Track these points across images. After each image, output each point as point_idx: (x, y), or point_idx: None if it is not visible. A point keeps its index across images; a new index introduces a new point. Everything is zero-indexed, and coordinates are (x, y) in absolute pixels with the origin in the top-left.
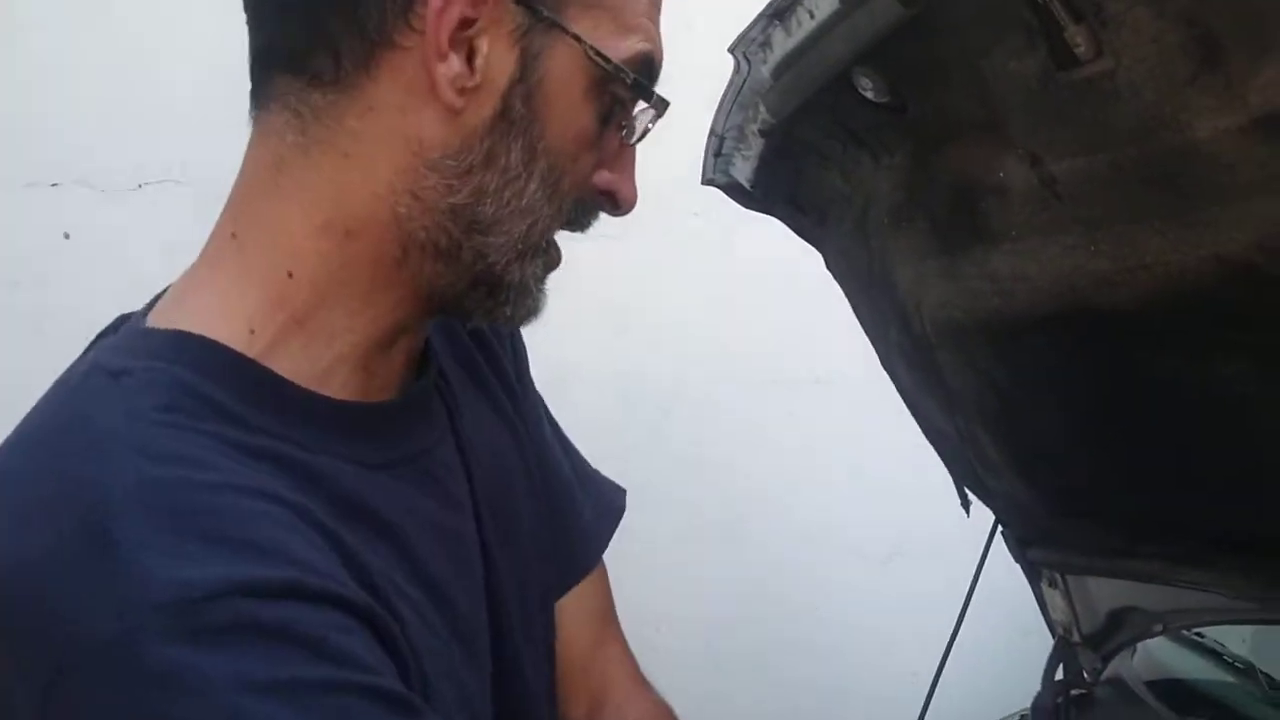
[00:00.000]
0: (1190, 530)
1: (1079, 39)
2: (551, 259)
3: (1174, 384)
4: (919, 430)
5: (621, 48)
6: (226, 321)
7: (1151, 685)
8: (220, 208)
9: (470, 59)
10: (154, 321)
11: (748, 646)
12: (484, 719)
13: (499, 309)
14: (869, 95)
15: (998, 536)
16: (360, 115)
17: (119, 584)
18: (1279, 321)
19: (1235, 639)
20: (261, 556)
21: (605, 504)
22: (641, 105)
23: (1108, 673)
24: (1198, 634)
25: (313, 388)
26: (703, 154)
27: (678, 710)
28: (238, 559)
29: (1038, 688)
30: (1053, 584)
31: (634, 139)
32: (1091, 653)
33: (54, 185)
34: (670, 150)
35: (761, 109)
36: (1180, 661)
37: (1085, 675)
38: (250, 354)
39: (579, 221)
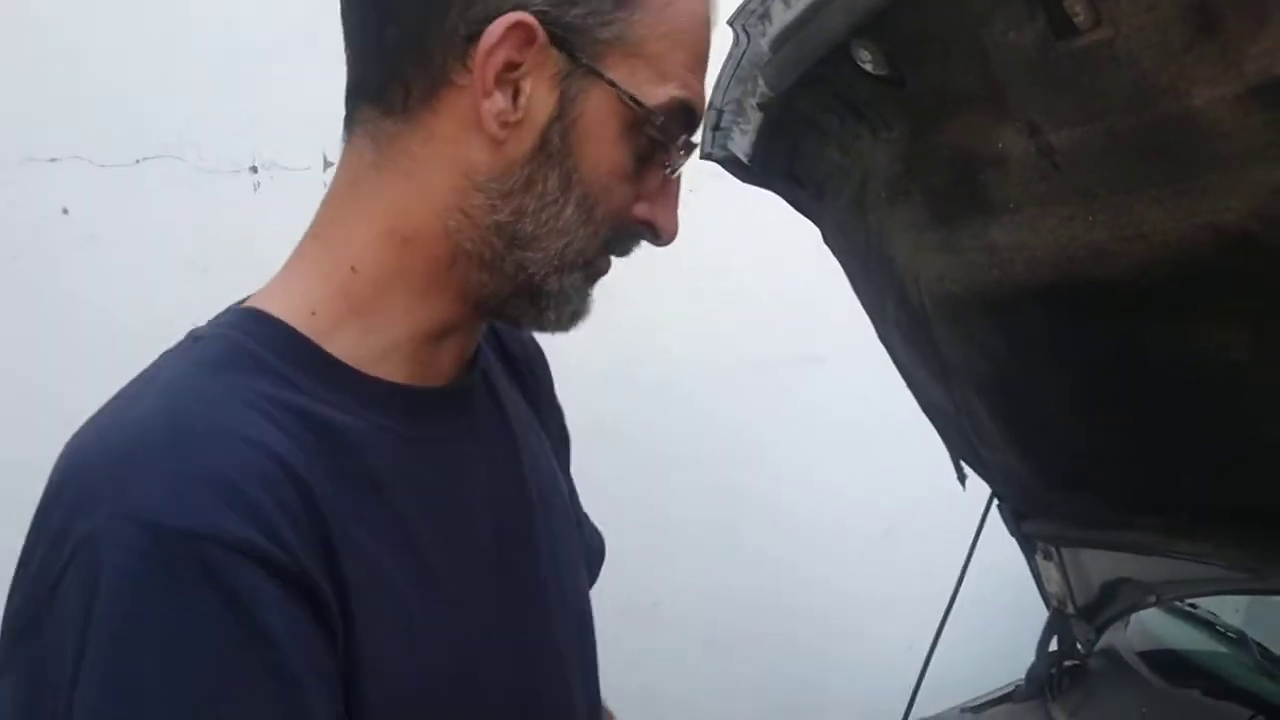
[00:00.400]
0: (1184, 502)
1: (1077, 7)
2: (595, 270)
3: (1170, 354)
4: (915, 405)
5: (657, 94)
6: (293, 304)
7: (1145, 656)
8: (216, 181)
9: (516, 97)
10: (248, 303)
11: (744, 622)
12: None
13: (542, 315)
14: (868, 68)
15: (993, 510)
16: (422, 143)
17: (118, 495)
18: (1275, 290)
19: (1229, 609)
20: (234, 510)
21: (596, 546)
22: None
23: (1101, 644)
24: (1191, 605)
25: (364, 369)
26: (700, 128)
27: (677, 683)
28: (214, 508)
29: (1032, 659)
30: (1048, 556)
31: (673, 174)
32: (1085, 624)
33: (52, 160)
34: None
35: (760, 82)
36: (1173, 632)
37: (1079, 646)
38: (307, 332)
39: (620, 246)
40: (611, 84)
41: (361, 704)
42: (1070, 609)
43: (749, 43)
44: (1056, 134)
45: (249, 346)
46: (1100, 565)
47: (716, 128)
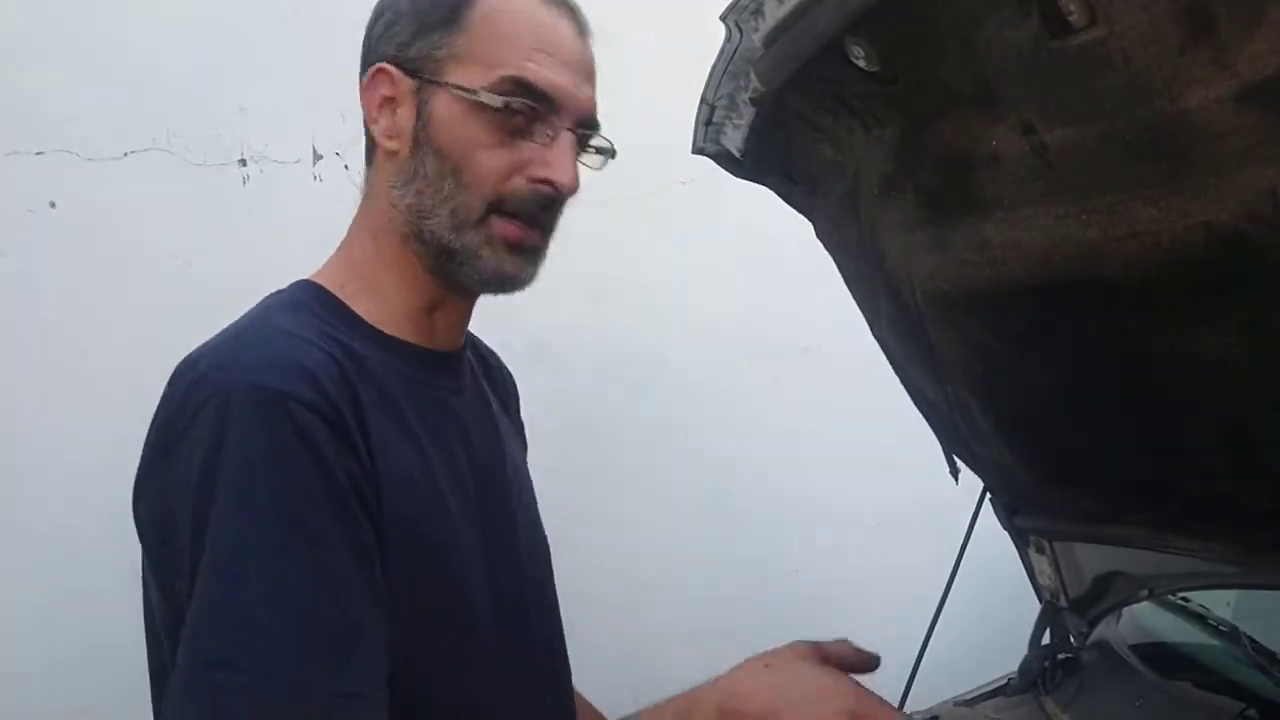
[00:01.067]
0: (1175, 497)
1: (1072, 7)
2: (495, 231)
3: (1162, 352)
4: (906, 399)
5: (488, 79)
6: (331, 279)
7: (1136, 649)
8: (204, 174)
9: (392, 117)
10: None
11: (734, 612)
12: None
13: (461, 271)
14: (861, 64)
15: (985, 503)
16: (374, 173)
17: (234, 368)
18: (1267, 291)
19: (1219, 604)
20: (304, 383)
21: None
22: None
23: (1093, 637)
24: (1183, 598)
25: (374, 322)
26: (693, 122)
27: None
28: (294, 380)
29: (1025, 652)
30: (1040, 550)
31: (541, 140)
32: (1078, 617)
33: (39, 154)
34: (659, 118)
35: (753, 77)
36: (1165, 625)
37: (1071, 639)
38: (339, 295)
39: (520, 207)
40: (446, 85)
41: (383, 517)
42: (1063, 602)
43: (741, 38)
44: (1050, 133)
45: (304, 299)
46: (1092, 559)
47: (709, 123)
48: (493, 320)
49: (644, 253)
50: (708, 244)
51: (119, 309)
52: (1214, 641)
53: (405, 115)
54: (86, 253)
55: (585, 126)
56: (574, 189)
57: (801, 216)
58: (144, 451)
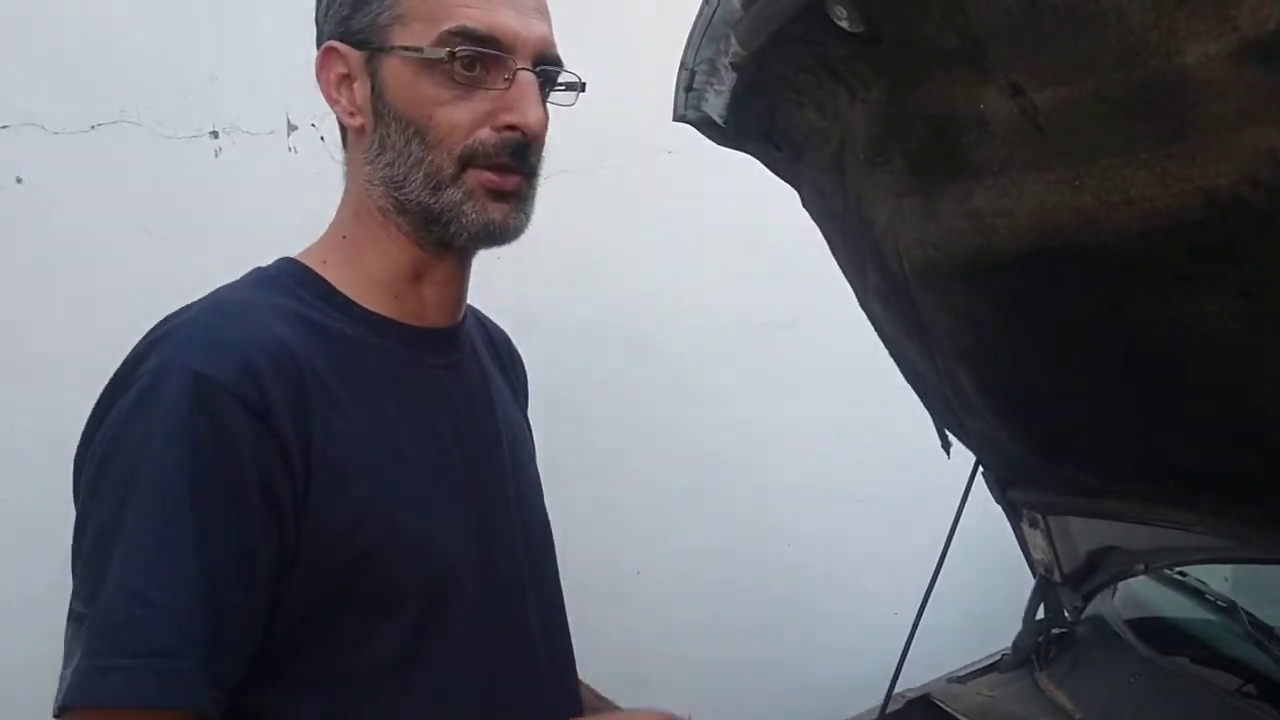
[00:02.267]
0: (1170, 470)
1: None
2: (473, 182)
3: (1158, 321)
4: (895, 374)
5: (431, 34)
6: (313, 256)
7: (1132, 624)
8: (172, 147)
9: (350, 95)
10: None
11: (724, 594)
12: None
13: (448, 230)
14: (843, 25)
15: (978, 478)
16: (349, 152)
17: (170, 351)
18: (1267, 258)
19: (1217, 578)
20: (240, 368)
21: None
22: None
23: (1088, 612)
24: (1179, 573)
25: (363, 304)
26: (673, 89)
27: (660, 658)
28: (226, 364)
29: (1018, 627)
30: (1033, 524)
31: (498, 86)
32: (1072, 592)
33: (4, 128)
34: (641, 86)
35: (733, 41)
36: (1162, 600)
37: (1066, 614)
38: (320, 272)
39: (491, 157)
40: (393, 49)
41: (327, 525)
42: (1057, 577)
43: (720, 0)
44: (1040, 94)
45: (281, 278)
46: (1087, 533)
47: (689, 89)
48: (473, 293)
49: (628, 225)
50: (693, 216)
51: (88, 286)
52: (1211, 616)
53: (361, 89)
54: (54, 229)
55: (545, 64)
56: (541, 128)
57: (788, 185)
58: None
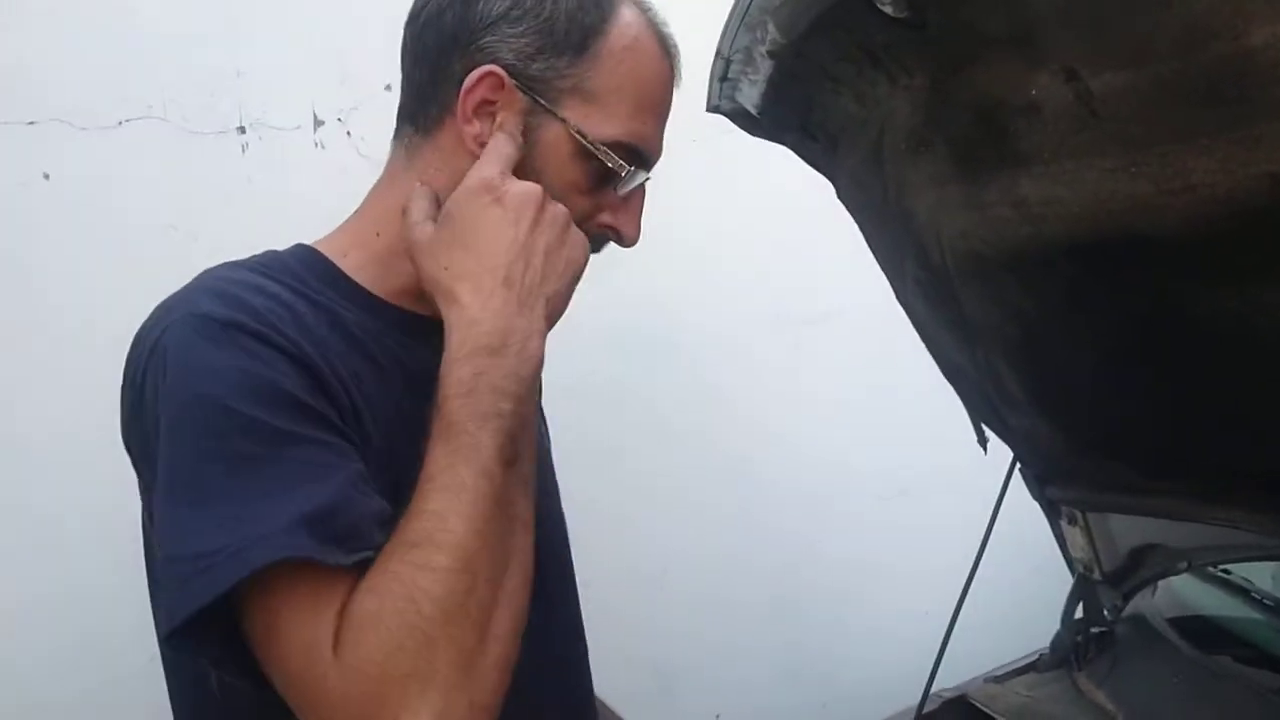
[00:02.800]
0: (1218, 467)
1: None
2: None
3: (1211, 314)
4: (930, 365)
5: (603, 131)
6: (333, 247)
7: (1175, 622)
8: (199, 143)
9: (490, 124)
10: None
11: (755, 586)
12: None
13: None
14: (887, 10)
15: (1015, 476)
16: (432, 153)
17: (181, 308)
18: None
19: (1262, 575)
20: (259, 321)
21: None
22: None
23: (1129, 610)
24: (1224, 570)
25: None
26: (707, 78)
27: (684, 651)
28: (247, 317)
29: (1056, 626)
30: (1073, 521)
31: (623, 193)
32: (1112, 590)
33: (31, 124)
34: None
35: (770, 28)
36: (1205, 598)
37: (1106, 613)
38: (339, 264)
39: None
40: (563, 121)
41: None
42: (1096, 575)
43: None
44: (1096, 79)
45: (290, 264)
46: (1128, 530)
47: (724, 78)
48: None
49: (658, 216)
50: (725, 206)
51: (117, 282)
52: (1257, 615)
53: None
54: (82, 225)
55: None
56: (636, 241)
57: (817, 176)
58: (122, 413)
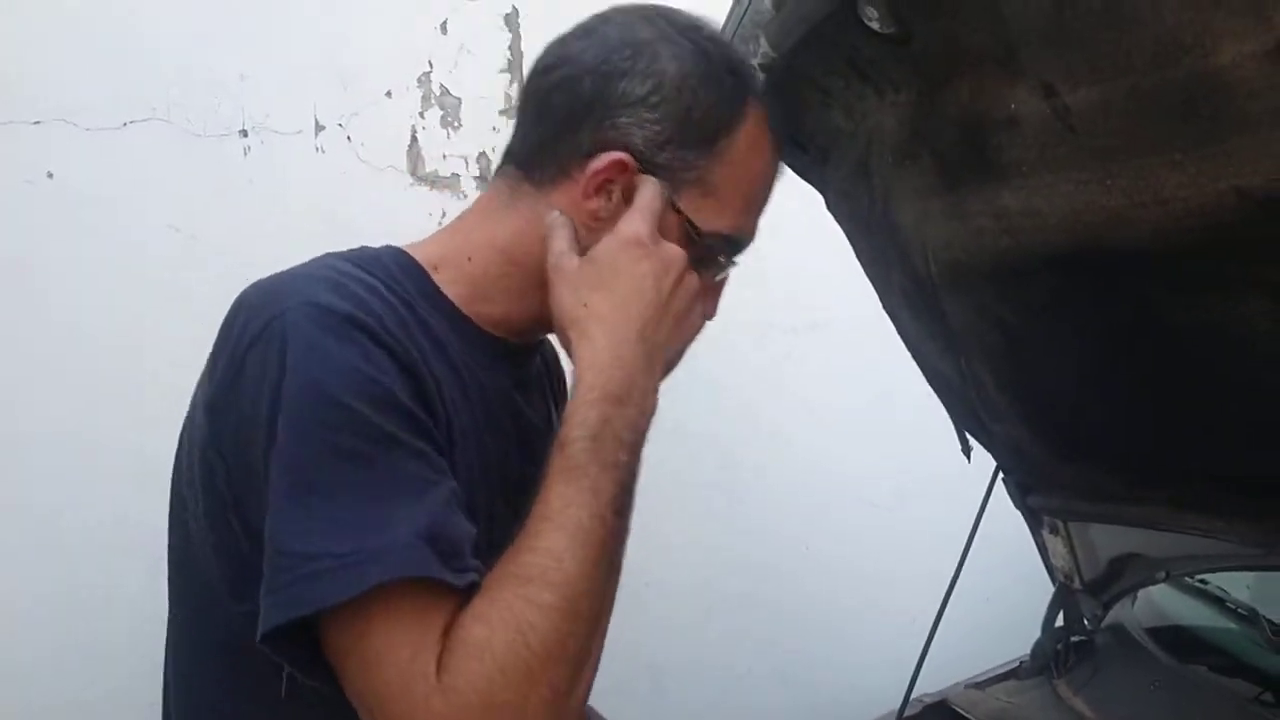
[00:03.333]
0: (1196, 476)
1: None
2: None
3: (1189, 324)
4: (917, 375)
5: (714, 224)
6: (424, 257)
7: (1153, 632)
8: (202, 145)
9: (607, 200)
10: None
11: (745, 594)
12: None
13: None
14: (874, 25)
15: (998, 484)
16: (541, 206)
17: (295, 295)
18: None
19: (1238, 585)
20: (370, 316)
21: None
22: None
23: (1108, 620)
24: (1200, 580)
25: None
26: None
27: (677, 655)
28: (359, 310)
29: (1037, 634)
30: (1054, 530)
31: (716, 279)
32: (1092, 599)
33: (36, 123)
34: None
35: (762, 41)
36: (1182, 608)
37: (1086, 622)
38: (431, 276)
39: None
40: (678, 211)
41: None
42: (1077, 584)
43: (751, 1)
44: (1073, 94)
45: (390, 267)
46: (1108, 540)
47: None
48: None
49: None
50: None
51: (118, 282)
52: (1232, 625)
53: (618, 213)
54: (85, 224)
55: None
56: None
57: (812, 188)
58: (212, 385)
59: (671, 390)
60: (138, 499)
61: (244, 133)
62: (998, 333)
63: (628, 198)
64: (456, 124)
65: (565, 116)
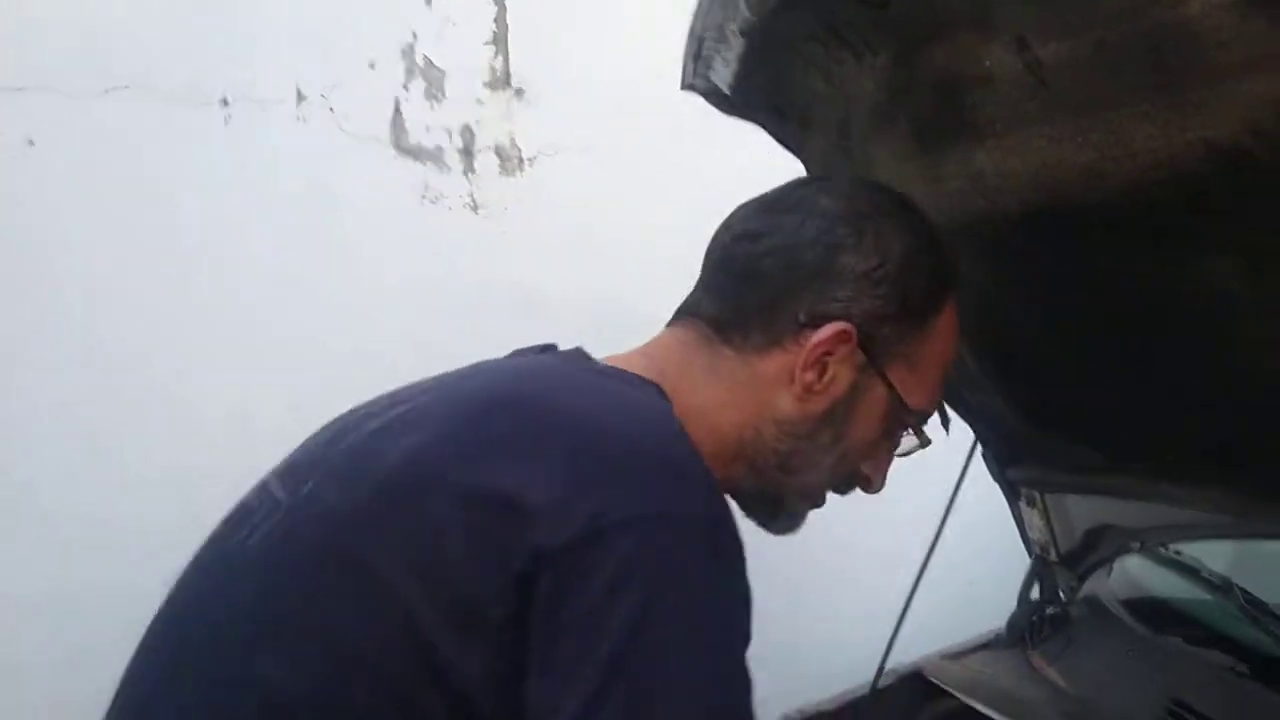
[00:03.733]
0: (1171, 442)
1: None
2: (817, 503)
3: (1160, 283)
4: None
5: (916, 400)
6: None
7: (1128, 603)
8: (183, 113)
9: (822, 373)
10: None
11: None
12: None
13: (771, 520)
14: None
15: (975, 457)
16: (748, 376)
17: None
18: (1267, 211)
19: (1214, 558)
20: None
21: None
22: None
23: (1083, 592)
24: (1175, 552)
25: None
26: (681, 58)
27: None
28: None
29: (1013, 607)
30: (1031, 503)
31: (900, 453)
32: (1068, 571)
33: (18, 90)
34: (644, 58)
35: (742, 6)
36: (1157, 580)
37: (1061, 594)
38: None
39: (840, 489)
40: (890, 386)
41: None
42: (1053, 556)
43: None
44: (1044, 48)
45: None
46: (1084, 511)
47: (698, 56)
48: (481, 270)
49: (632, 201)
50: (697, 190)
51: (99, 250)
52: (1207, 595)
53: (839, 382)
54: (67, 192)
55: None
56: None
57: (795, 157)
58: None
59: None
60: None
61: (225, 102)
62: (973, 297)
63: (853, 394)
64: (440, 96)
65: (781, 285)
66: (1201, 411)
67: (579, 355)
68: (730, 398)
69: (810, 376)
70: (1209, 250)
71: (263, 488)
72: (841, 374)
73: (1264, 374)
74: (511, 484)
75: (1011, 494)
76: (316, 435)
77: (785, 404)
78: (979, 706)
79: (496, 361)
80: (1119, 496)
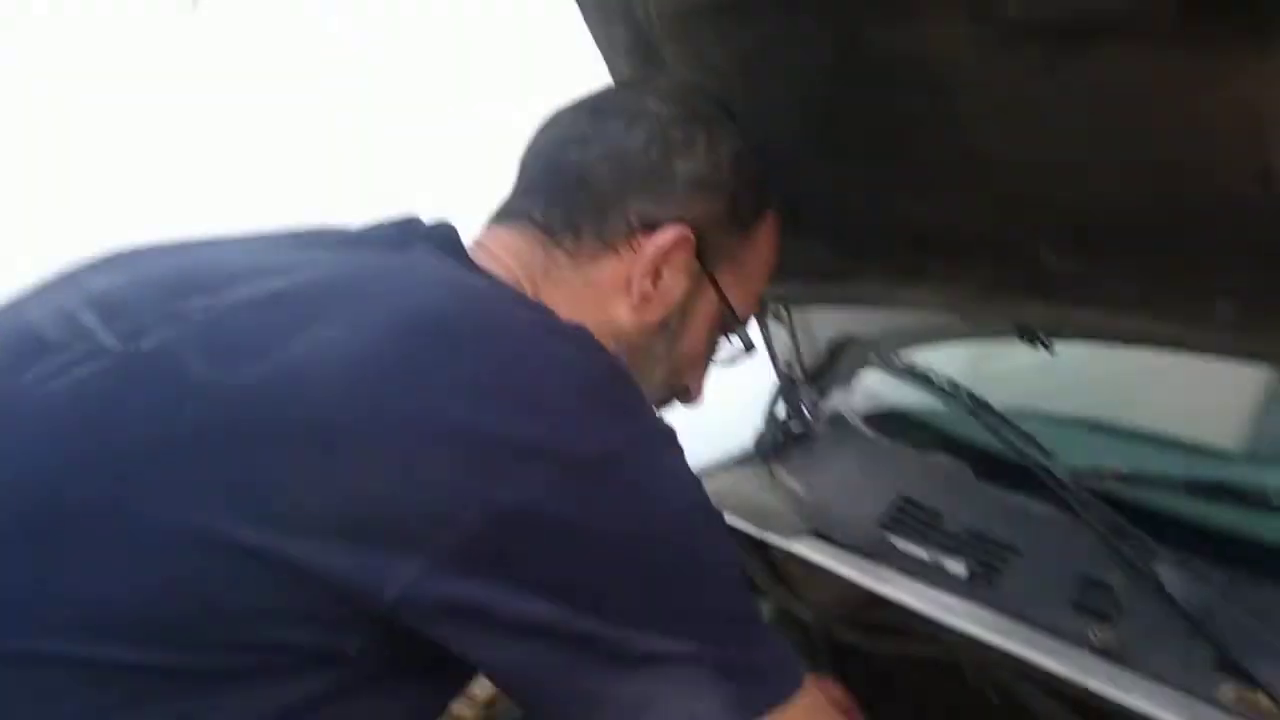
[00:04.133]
0: (900, 234)
1: None
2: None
3: (896, 56)
4: None
5: (741, 307)
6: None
7: (866, 417)
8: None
9: (655, 280)
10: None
11: None
12: None
13: None
14: None
15: None
16: (582, 282)
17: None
18: None
19: (948, 366)
20: None
21: None
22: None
23: (827, 409)
24: (911, 365)
25: None
26: None
27: None
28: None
29: (759, 426)
30: (777, 317)
31: (722, 360)
32: (812, 388)
33: None
34: None
35: None
36: (894, 391)
37: (806, 412)
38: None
39: (661, 403)
40: (721, 295)
41: None
42: (798, 373)
43: None
44: None
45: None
46: (826, 324)
47: None
48: None
49: None
50: None
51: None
52: (939, 404)
53: (673, 291)
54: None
55: None
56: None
57: None
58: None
59: None
60: None
61: None
62: (715, 84)
63: (686, 306)
64: None
65: (613, 186)
66: (928, 193)
67: (455, 247)
68: (571, 308)
69: (647, 284)
70: (936, 14)
71: (69, 320)
72: (677, 281)
73: (986, 150)
74: (496, 425)
75: (760, 310)
76: (130, 273)
77: (622, 313)
78: (726, 516)
79: (381, 256)
80: (860, 303)
